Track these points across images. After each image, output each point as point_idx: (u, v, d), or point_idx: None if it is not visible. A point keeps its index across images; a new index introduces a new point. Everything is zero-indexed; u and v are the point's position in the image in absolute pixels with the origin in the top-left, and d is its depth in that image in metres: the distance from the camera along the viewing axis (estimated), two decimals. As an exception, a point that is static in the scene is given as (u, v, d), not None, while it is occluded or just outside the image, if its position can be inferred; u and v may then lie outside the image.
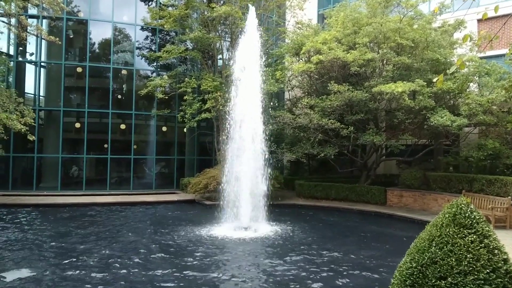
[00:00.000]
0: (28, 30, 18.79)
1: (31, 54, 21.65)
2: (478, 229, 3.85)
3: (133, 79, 22.53)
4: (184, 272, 8.25)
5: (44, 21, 21.53)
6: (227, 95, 18.96)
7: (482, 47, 16.68)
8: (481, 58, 16.98)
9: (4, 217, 14.34)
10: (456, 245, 3.78)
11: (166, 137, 23.97)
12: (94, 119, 22.61)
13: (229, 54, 22.09)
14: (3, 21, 18.91)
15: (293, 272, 8.37)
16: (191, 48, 22.11)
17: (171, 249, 10.27)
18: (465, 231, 3.84)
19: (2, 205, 16.49)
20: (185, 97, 20.35)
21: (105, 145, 21.59)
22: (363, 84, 17.08)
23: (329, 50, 16.79)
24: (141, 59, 23.09)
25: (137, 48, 22.84)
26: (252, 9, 14.82)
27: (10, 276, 7.81)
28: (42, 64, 21.92)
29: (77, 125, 21.99)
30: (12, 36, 20.27)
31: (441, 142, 18.69)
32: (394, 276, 4.16)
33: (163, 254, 9.72)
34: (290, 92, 22.93)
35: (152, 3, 22.83)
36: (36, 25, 19.34)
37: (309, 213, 16.68)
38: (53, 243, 10.67)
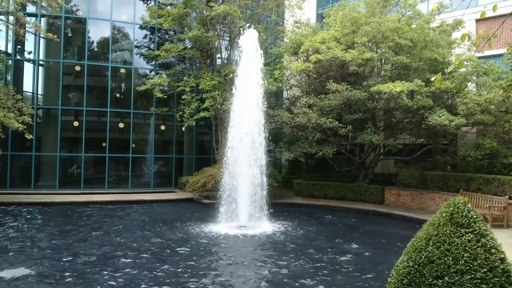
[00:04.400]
0: (26, 28, 18.75)
1: (30, 53, 21.56)
2: (475, 228, 3.87)
3: (132, 78, 22.49)
4: (180, 270, 8.26)
5: (43, 19, 21.41)
6: (225, 94, 18.98)
7: (480, 46, 16.70)
8: (479, 57, 17.01)
9: (2, 215, 14.31)
10: (453, 244, 3.81)
11: (165, 136, 23.95)
12: (93, 118, 22.58)
13: (227, 53, 22.09)
14: (1, 19, 18.86)
15: (290, 271, 8.39)
16: (189, 47, 22.07)
17: (167, 247, 10.27)
18: (462, 230, 3.86)
19: (0, 203, 16.46)
20: (183, 96, 20.34)
21: (104, 144, 21.55)
22: (362, 83, 17.10)
23: (328, 49, 16.80)
24: (140, 57, 23.04)
25: (136, 46, 22.79)
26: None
27: (8, 274, 7.81)
28: (41, 62, 21.84)
29: (76, 123, 21.92)
30: (10, 34, 20.20)
31: (439, 141, 18.74)
32: (391, 275, 4.19)
33: (158, 252, 9.73)
34: (288, 91, 22.94)
35: (151, 2, 22.76)
36: (34, 23, 19.28)
37: (307, 212, 16.70)
38: (51, 242, 10.67)
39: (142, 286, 7.29)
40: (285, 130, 20.28)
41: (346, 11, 18.25)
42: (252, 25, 14.60)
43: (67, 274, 7.92)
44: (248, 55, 13.83)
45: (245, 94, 13.56)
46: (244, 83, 13.64)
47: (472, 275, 3.65)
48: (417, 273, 3.87)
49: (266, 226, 12.96)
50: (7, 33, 20.20)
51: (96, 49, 22.83)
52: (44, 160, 21.67)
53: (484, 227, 3.92)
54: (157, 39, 22.87)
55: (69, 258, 8.99)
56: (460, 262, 3.71)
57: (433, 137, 18.35)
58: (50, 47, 21.55)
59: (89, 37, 22.09)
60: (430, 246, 3.89)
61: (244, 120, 13.39)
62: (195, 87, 20.72)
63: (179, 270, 8.35)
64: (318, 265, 8.90)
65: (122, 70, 22.81)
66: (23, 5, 18.97)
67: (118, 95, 23.35)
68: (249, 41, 13.93)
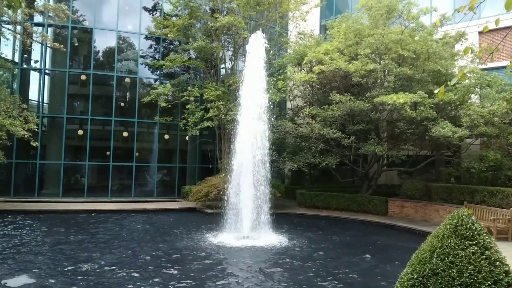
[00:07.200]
0: (33, 37, 19.02)
1: (36, 62, 21.85)
2: (480, 241, 3.87)
3: (137, 87, 22.69)
4: (181, 281, 8.24)
5: (50, 29, 21.77)
6: (229, 104, 19.09)
7: (483, 59, 16.77)
8: (482, 69, 17.07)
9: (5, 223, 14.35)
10: (457, 256, 3.80)
11: (168, 145, 24.05)
12: (97, 127, 22.73)
13: (231, 64, 22.27)
14: (9, 29, 19.16)
15: (290, 284, 8.34)
16: (194, 57, 22.28)
17: (169, 257, 10.25)
18: (466, 242, 3.85)
19: (3, 211, 16.49)
20: (187, 106, 20.47)
21: (107, 153, 21.66)
22: (365, 94, 17.16)
23: (331, 60, 16.91)
24: (145, 67, 23.28)
25: (141, 56, 23.04)
26: None
27: (13, 282, 7.82)
28: (47, 71, 22.11)
29: (80, 132, 22.09)
30: (17, 43, 20.50)
31: (442, 153, 18.70)
32: (395, 287, 4.17)
33: (161, 262, 9.71)
34: (292, 101, 23.04)
35: (156, 13, 23.08)
36: (41, 33, 19.58)
37: (310, 223, 16.63)
38: (54, 250, 10.67)
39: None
40: (288, 140, 20.31)
41: (349, 23, 18.41)
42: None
43: (69, 280, 7.91)
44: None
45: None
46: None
47: (477, 288, 3.64)
48: (422, 285, 3.85)
49: (270, 237, 12.89)
50: (14, 42, 20.51)
51: (101, 58, 23.09)
52: (48, 168, 21.78)
53: (488, 240, 3.91)
54: (162, 49, 23.13)
55: (71, 268, 8.98)
56: (465, 274, 3.70)
57: (437, 148, 18.33)
58: (57, 56, 21.83)
59: (95, 47, 22.37)
60: (435, 258, 3.88)
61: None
62: (199, 97, 20.86)
63: (181, 281, 8.33)
64: (320, 276, 8.85)
65: (127, 80, 23.02)
66: (30, 15, 19.29)
67: (122, 104, 23.54)
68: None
